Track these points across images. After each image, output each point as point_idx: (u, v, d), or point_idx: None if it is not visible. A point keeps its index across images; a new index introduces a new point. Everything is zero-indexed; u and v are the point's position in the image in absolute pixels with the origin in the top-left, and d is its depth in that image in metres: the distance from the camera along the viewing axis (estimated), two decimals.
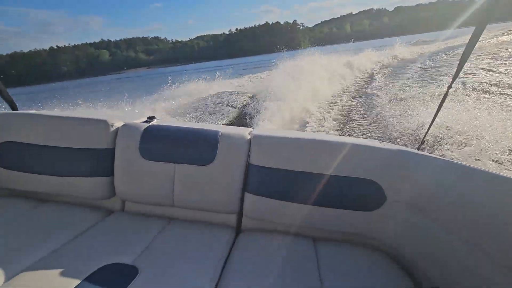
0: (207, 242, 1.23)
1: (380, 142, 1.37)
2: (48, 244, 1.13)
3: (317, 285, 1.03)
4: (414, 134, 4.39)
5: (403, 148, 1.29)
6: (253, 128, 1.51)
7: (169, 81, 12.58)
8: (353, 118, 6.27)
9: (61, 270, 0.98)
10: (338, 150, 1.27)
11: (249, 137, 1.37)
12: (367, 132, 5.20)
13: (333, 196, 1.26)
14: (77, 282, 0.92)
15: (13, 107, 1.67)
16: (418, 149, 1.36)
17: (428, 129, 1.43)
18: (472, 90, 6.54)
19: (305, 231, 1.35)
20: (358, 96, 8.76)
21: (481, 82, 7.24)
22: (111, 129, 1.42)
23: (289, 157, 1.29)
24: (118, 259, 1.06)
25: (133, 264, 1.04)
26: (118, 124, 1.44)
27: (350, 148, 1.28)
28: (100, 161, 1.40)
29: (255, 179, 1.32)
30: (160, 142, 1.36)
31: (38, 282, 0.93)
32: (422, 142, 1.50)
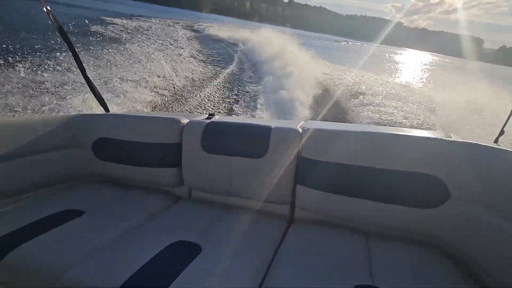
0: (261, 229, 1.31)
1: (446, 135, 1.31)
2: (129, 222, 1.32)
3: (368, 282, 1.00)
4: None
5: (475, 141, 1.20)
6: (305, 122, 1.60)
7: None
8: None
9: (138, 244, 1.15)
10: (395, 143, 1.25)
11: (300, 130, 1.41)
12: None
13: (388, 191, 1.23)
14: (152, 254, 1.07)
15: (106, 108, 1.86)
16: (495, 141, 1.29)
17: (507, 120, 1.32)
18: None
19: (357, 226, 1.34)
20: None
21: None
22: (179, 125, 1.58)
23: (341, 151, 1.30)
24: (185, 238, 1.20)
25: (197, 242, 1.17)
26: (184, 121, 1.60)
27: (409, 141, 1.25)
28: (171, 154, 1.58)
29: (307, 172, 1.36)
30: (218, 137, 1.49)
31: (118, 254, 1.09)
32: (500, 134, 1.33)
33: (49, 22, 1.56)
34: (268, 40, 15.12)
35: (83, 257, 1.07)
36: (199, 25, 27.17)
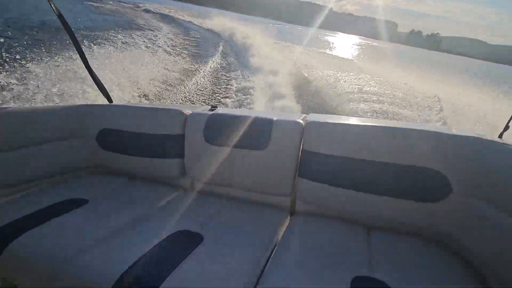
0: (262, 221, 1.33)
1: (449, 129, 1.31)
2: (132, 212, 1.33)
3: (367, 274, 1.01)
4: None
5: (479, 135, 1.20)
6: (307, 114, 1.60)
7: None
8: None
9: (140, 233, 1.18)
10: (397, 136, 1.26)
11: (303, 123, 1.41)
12: None
13: (390, 185, 1.24)
14: (154, 243, 1.09)
15: (109, 99, 1.84)
16: (500, 136, 1.28)
17: None
18: None
19: (358, 219, 1.35)
20: None
21: None
22: (182, 117, 1.58)
23: (344, 144, 1.31)
24: (188, 227, 1.22)
25: (199, 232, 1.19)
26: (187, 112, 1.61)
27: (411, 135, 1.25)
28: (174, 145, 1.59)
29: (309, 165, 1.36)
30: (221, 129, 1.50)
31: (120, 242, 1.11)
32: (505, 129, 1.32)
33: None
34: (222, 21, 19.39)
35: (85, 246, 1.08)
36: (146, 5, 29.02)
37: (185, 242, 1.13)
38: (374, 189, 1.26)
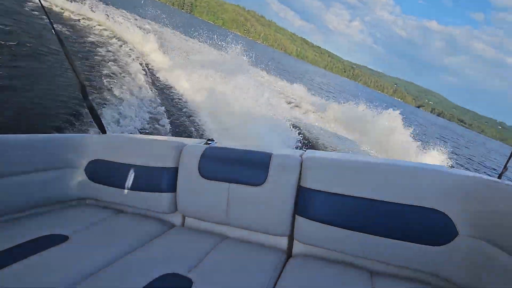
0: (258, 263, 1.26)
1: (449, 168, 1.26)
2: (117, 250, 1.25)
3: None
4: None
5: (481, 175, 1.17)
6: (305, 150, 1.54)
7: None
8: None
9: (124, 275, 1.09)
10: (399, 175, 1.21)
11: (301, 159, 1.38)
12: None
13: (392, 226, 1.18)
14: (140, 286, 1.01)
15: (102, 130, 1.79)
16: (499, 177, 1.27)
17: (511, 156, 1.27)
18: None
19: (360, 262, 1.30)
20: None
21: None
22: (177, 150, 1.54)
23: (343, 181, 1.26)
24: (176, 270, 1.14)
25: (188, 276, 1.11)
26: (182, 145, 1.57)
27: (414, 173, 1.21)
28: (166, 179, 1.53)
29: (307, 202, 1.30)
30: (216, 163, 1.46)
31: (102, 285, 1.03)
32: (504, 169, 1.30)
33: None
34: None
35: None
36: None
37: (173, 287, 1.06)
38: (376, 230, 1.21)
